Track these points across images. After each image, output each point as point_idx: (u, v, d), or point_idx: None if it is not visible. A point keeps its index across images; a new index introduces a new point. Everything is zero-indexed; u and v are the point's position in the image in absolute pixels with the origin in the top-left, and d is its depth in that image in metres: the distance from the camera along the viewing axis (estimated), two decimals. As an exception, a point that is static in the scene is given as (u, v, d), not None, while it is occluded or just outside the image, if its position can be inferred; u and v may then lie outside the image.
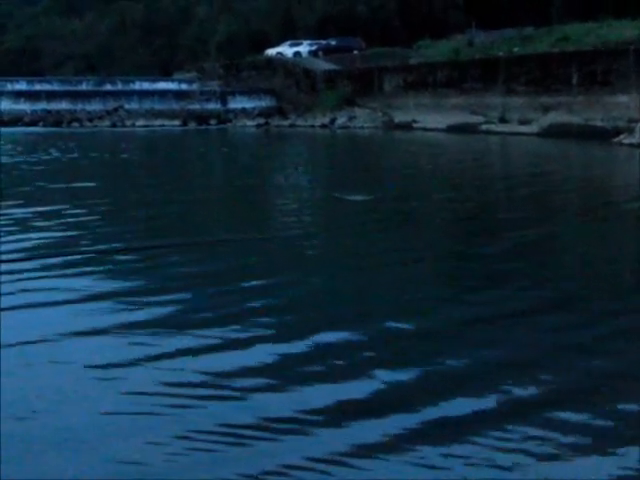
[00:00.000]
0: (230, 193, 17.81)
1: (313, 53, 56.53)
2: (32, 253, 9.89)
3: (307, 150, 34.12)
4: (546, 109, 37.58)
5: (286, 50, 57.14)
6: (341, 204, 14.66)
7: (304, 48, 57.10)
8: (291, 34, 60.10)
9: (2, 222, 12.48)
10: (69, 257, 9.78)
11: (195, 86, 56.20)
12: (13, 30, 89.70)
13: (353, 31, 56.98)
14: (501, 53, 42.35)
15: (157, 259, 9.91)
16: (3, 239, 10.89)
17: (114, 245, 10.49)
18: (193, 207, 15.12)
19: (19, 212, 13.92)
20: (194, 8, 73.03)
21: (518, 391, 5.32)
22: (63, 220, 12.98)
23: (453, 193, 16.99)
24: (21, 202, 15.28)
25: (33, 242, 10.76)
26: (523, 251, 10.36)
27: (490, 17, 48.52)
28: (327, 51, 56.28)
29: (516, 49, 42.51)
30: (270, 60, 56.54)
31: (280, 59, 56.07)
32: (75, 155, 28.59)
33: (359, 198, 14.97)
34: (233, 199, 16.64)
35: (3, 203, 14.70)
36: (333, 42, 57.10)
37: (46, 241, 10.94)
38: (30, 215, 13.64)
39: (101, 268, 9.30)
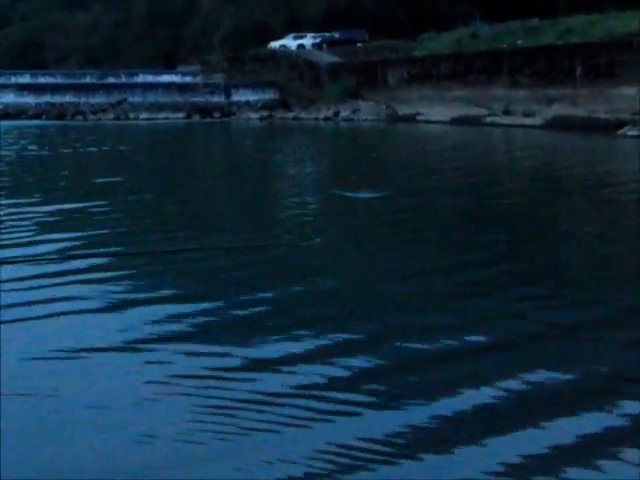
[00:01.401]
0: (238, 193, 16.69)
1: (317, 46, 56.44)
2: (66, 253, 9.57)
3: (312, 144, 33.97)
4: (550, 101, 37.49)
5: (290, 43, 57.05)
6: (350, 203, 13.72)
7: (308, 41, 57.00)
8: (295, 27, 59.98)
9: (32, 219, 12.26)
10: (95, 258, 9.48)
11: (199, 79, 56.14)
12: (17, 23, 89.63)
13: (357, 23, 56.81)
14: (505, 45, 42.23)
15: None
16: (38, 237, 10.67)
17: (126, 249, 10.10)
18: (201, 208, 14.31)
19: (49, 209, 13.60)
20: (198, 1, 72.90)
21: None
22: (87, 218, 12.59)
23: (465, 188, 16.08)
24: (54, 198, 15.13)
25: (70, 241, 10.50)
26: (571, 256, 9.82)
27: (495, 9, 48.32)
28: (331, 43, 56.15)
29: (520, 41, 42.38)
30: (274, 53, 56.47)
31: (284, 52, 56.00)
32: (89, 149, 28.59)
33: (368, 196, 14.10)
34: (242, 200, 15.36)
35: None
36: (337, 35, 56.96)
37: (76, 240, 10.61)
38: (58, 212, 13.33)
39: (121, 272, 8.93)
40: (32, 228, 11.40)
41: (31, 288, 7.86)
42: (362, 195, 14.18)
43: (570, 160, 22.75)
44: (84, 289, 7.85)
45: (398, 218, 12.39)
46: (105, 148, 28.79)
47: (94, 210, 13.37)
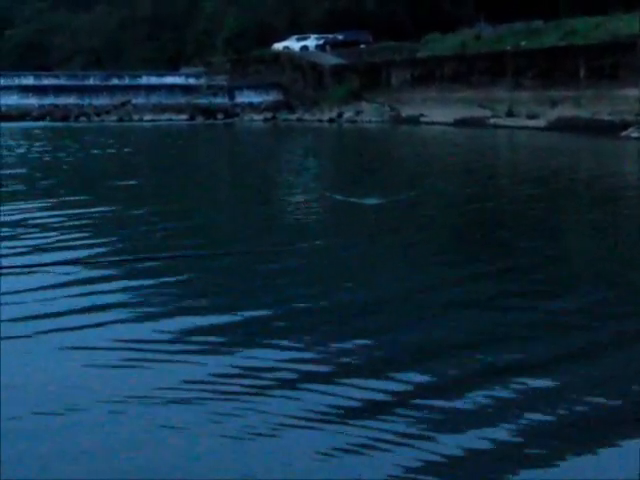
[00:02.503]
0: (245, 199, 15.91)
1: (320, 47, 56.47)
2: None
3: (317, 146, 33.86)
4: (554, 103, 37.51)
5: (293, 44, 57.07)
6: (355, 210, 13.22)
7: (311, 42, 57.02)
8: (298, 28, 60.00)
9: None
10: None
11: (202, 80, 56.20)
12: (21, 24, 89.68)
13: (361, 25, 56.86)
14: (509, 47, 42.26)
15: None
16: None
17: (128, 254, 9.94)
18: (203, 214, 13.85)
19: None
20: (202, 2, 72.97)
21: None
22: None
23: (478, 194, 15.43)
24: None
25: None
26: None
27: (498, 10, 48.36)
28: (334, 45, 56.20)
29: (524, 43, 42.41)
30: (277, 54, 56.52)
31: (287, 53, 56.04)
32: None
33: (373, 202, 13.50)
34: (246, 206, 14.71)
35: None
36: (340, 36, 56.98)
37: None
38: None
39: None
40: (49, 233, 11.31)
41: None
42: (368, 201, 13.58)
43: (582, 163, 22.63)
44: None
45: (411, 230, 11.60)
46: (111, 150, 28.86)
47: (107, 215, 13.43)
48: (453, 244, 10.99)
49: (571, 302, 7.68)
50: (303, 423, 4.82)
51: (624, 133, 30.25)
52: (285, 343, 6.33)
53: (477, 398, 5.14)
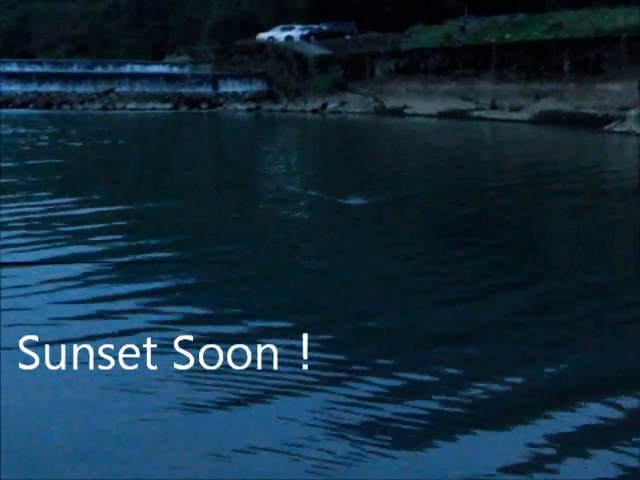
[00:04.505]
0: (224, 197, 15.15)
1: (305, 37, 56.32)
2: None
3: (300, 139, 33.60)
4: (537, 96, 37.58)
5: (278, 34, 56.90)
6: (343, 212, 12.48)
7: (296, 32, 56.86)
8: (283, 18, 59.85)
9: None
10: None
11: (187, 69, 56.06)
12: (5, 11, 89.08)
13: (345, 16, 56.79)
14: (493, 39, 42.29)
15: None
16: None
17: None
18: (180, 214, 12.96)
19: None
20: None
21: None
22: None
23: (466, 193, 14.84)
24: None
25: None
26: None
27: (483, 3, 48.40)
28: (319, 36, 56.07)
29: (508, 35, 42.44)
30: (262, 44, 56.34)
31: (272, 43, 55.88)
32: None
33: (360, 202, 12.88)
34: (228, 206, 13.77)
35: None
36: (325, 27, 56.88)
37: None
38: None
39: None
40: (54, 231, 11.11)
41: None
42: (353, 201, 12.93)
43: (563, 157, 22.63)
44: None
45: (403, 237, 10.95)
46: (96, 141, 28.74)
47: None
48: (442, 243, 10.61)
49: (559, 288, 7.94)
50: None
51: (607, 127, 30.35)
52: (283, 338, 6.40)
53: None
